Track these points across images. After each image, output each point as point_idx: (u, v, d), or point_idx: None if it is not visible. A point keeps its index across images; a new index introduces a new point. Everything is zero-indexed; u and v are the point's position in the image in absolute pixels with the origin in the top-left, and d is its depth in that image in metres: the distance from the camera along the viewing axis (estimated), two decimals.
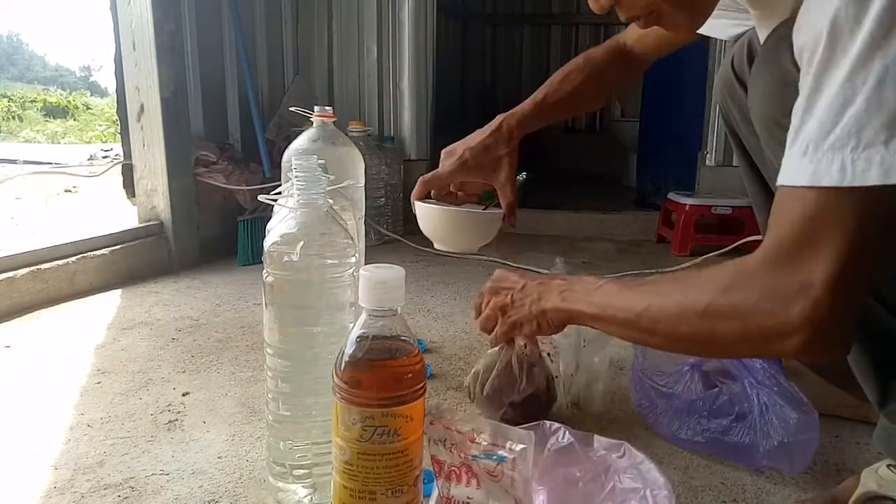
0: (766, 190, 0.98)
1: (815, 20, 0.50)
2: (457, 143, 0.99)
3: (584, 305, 0.69)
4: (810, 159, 0.49)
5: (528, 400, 0.92)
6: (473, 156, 0.96)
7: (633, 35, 1.02)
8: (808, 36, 0.51)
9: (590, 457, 0.70)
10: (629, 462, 0.70)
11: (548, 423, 0.72)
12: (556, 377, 0.98)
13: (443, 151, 1.00)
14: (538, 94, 1.01)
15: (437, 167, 0.99)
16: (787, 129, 0.63)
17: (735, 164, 1.09)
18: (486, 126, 0.99)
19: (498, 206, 0.99)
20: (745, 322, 0.53)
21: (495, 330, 0.82)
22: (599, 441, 0.72)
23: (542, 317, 0.75)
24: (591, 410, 1.00)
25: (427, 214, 0.98)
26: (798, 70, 0.57)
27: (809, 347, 0.50)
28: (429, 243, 1.03)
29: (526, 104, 1.00)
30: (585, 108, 1.06)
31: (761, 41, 0.76)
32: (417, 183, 0.98)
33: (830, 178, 0.47)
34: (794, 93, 0.59)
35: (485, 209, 1.01)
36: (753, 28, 0.83)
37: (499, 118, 0.99)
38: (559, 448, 0.69)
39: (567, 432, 0.70)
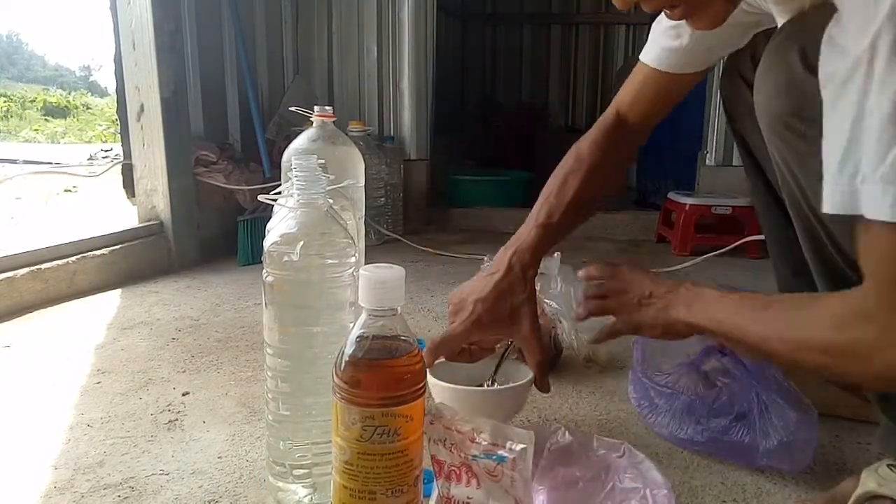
0: (768, 187, 0.98)
1: (851, 37, 0.49)
2: (464, 290, 0.84)
3: (706, 321, 0.69)
4: (883, 191, 0.48)
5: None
6: (487, 310, 0.80)
7: (625, 100, 0.94)
8: (843, 55, 0.50)
9: (590, 457, 0.70)
10: (629, 462, 0.69)
11: (548, 423, 0.72)
12: (562, 335, 1.16)
13: (451, 302, 0.85)
14: (540, 216, 0.88)
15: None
16: (795, 129, 0.63)
17: (735, 163, 1.09)
18: (493, 267, 0.84)
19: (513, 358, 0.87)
20: (867, 358, 0.55)
21: (614, 325, 0.79)
22: (600, 441, 0.72)
23: (668, 326, 0.73)
24: (601, 360, 1.18)
25: (445, 396, 0.82)
26: (807, 71, 0.58)
27: None
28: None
29: (530, 231, 0.87)
30: (592, 209, 0.95)
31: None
32: (426, 350, 0.81)
33: None
34: (802, 94, 0.59)
35: (498, 364, 0.87)
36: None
37: (506, 255, 0.84)
38: (559, 448, 0.69)
39: (567, 432, 0.70)
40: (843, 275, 0.67)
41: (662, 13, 0.69)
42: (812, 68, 0.58)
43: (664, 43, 0.86)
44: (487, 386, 0.86)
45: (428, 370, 0.79)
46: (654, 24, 0.87)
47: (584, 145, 0.93)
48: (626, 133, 0.93)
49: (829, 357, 0.57)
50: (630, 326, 0.77)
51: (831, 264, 0.69)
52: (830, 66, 0.52)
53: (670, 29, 0.84)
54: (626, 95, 0.93)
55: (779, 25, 0.77)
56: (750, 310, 0.66)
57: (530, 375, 0.83)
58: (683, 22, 0.78)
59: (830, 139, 0.52)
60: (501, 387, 0.85)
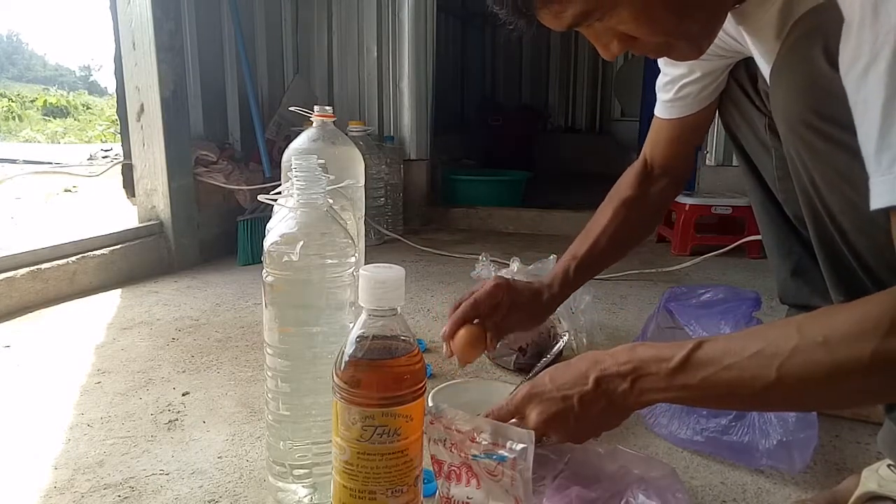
0: (765, 189, 0.99)
1: (869, 24, 0.47)
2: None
3: (676, 392, 0.57)
4: None
5: (531, 346, 1.12)
6: (515, 284, 0.96)
7: (647, 147, 1.03)
8: (864, 40, 0.48)
9: (610, 474, 0.67)
10: (649, 479, 0.66)
11: (564, 445, 0.70)
12: (565, 334, 1.14)
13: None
14: (570, 250, 1.01)
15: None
16: (816, 128, 0.61)
17: (735, 163, 1.10)
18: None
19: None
20: None
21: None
22: (623, 454, 0.69)
23: (619, 418, 0.64)
24: None
25: None
26: (831, 67, 0.56)
27: None
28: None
29: (560, 264, 1.01)
30: (629, 240, 1.04)
31: (756, 54, 0.77)
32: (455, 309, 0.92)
33: None
34: (824, 90, 0.57)
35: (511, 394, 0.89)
36: None
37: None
38: (578, 463, 0.67)
39: (583, 450, 0.68)
40: (856, 279, 0.65)
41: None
42: (836, 63, 0.55)
43: (662, 97, 0.97)
44: None
45: (430, 394, 0.81)
46: (656, 82, 0.98)
47: (616, 186, 1.03)
48: (653, 175, 1.02)
49: (875, 378, 0.48)
50: (582, 440, 0.66)
51: (845, 269, 0.67)
52: (851, 53, 0.49)
53: (665, 85, 0.96)
54: (648, 143, 1.04)
55: (755, 55, 0.77)
56: (734, 353, 0.54)
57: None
58: (673, 78, 0.93)
59: (863, 129, 0.49)
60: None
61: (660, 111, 0.99)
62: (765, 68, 0.74)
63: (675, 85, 0.94)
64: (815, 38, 0.60)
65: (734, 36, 0.80)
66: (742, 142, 0.99)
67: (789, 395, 0.53)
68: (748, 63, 0.90)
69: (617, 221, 0.99)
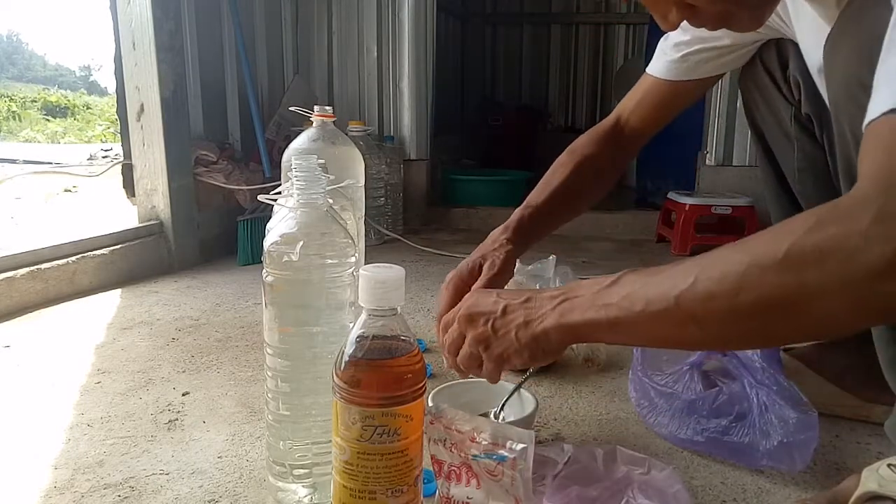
0: (780, 180, 0.98)
1: None
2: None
3: (595, 312, 0.54)
4: None
5: None
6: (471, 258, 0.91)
7: (627, 107, 0.99)
8: None
9: (610, 474, 0.67)
10: (650, 479, 0.67)
11: (565, 445, 0.71)
12: None
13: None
14: (527, 200, 0.94)
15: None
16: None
17: (735, 163, 1.10)
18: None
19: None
20: (849, 257, 0.40)
21: (483, 369, 0.66)
22: (622, 454, 0.70)
23: (534, 343, 0.60)
24: (600, 360, 1.16)
25: None
26: None
27: None
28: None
29: (515, 213, 0.94)
30: (582, 202, 0.99)
31: (807, 26, 0.74)
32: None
33: None
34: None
35: (509, 396, 0.86)
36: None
37: (493, 234, 0.94)
38: (578, 464, 0.67)
39: (584, 450, 0.69)
40: None
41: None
42: None
43: (669, 56, 0.92)
44: (494, 415, 0.84)
45: (430, 394, 0.80)
46: (661, 41, 0.94)
47: (579, 140, 0.99)
48: (622, 137, 0.98)
49: (788, 272, 0.43)
50: (494, 363, 0.63)
51: None
52: None
53: (677, 44, 0.91)
54: (629, 102, 0.98)
55: (800, 30, 0.75)
56: (661, 272, 0.51)
57: (534, 405, 0.84)
58: (694, 38, 0.87)
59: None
60: (510, 420, 0.83)
61: (658, 69, 0.94)
62: (821, 33, 0.69)
63: (691, 46, 0.89)
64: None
65: (777, 10, 0.78)
66: (763, 131, 0.97)
67: (699, 304, 0.47)
68: (780, 49, 0.88)
69: (576, 177, 0.94)
